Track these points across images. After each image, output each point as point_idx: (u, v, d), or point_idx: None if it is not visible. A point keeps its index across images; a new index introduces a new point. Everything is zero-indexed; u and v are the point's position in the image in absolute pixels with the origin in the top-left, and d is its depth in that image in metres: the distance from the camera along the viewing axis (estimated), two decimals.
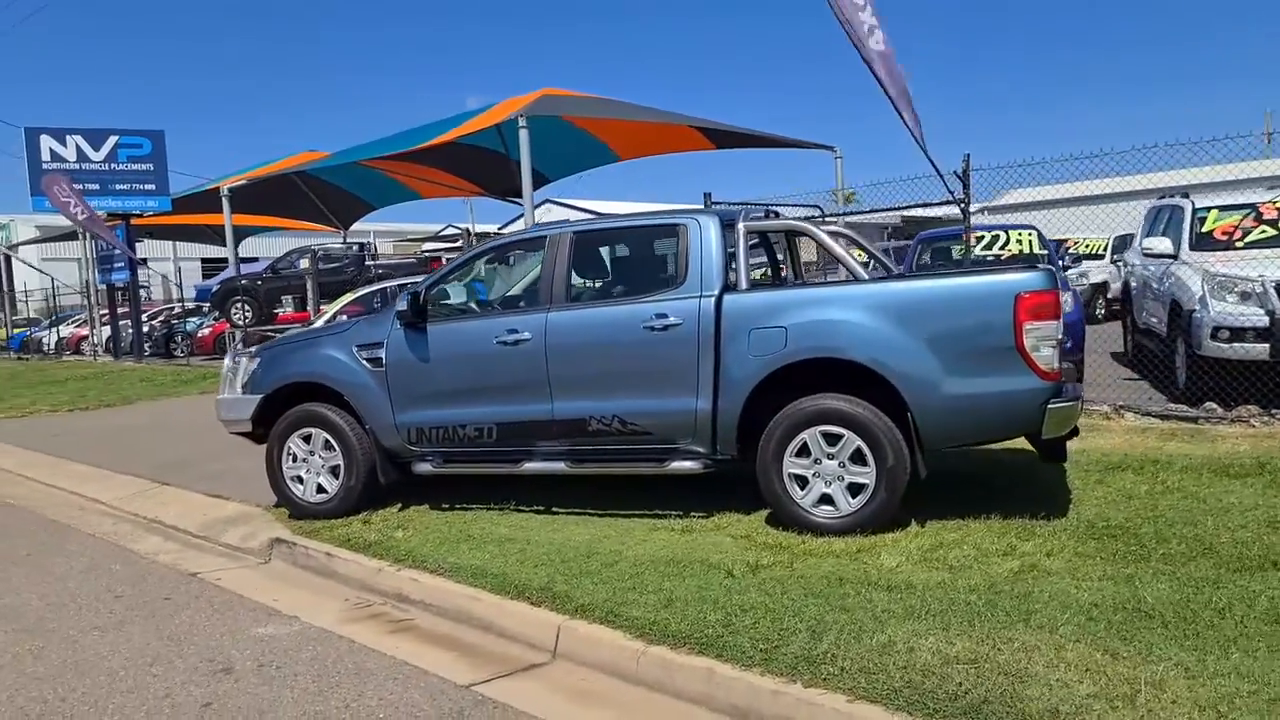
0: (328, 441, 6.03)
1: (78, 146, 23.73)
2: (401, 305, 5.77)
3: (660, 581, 4.38)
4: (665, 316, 5.26)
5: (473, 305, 6.15)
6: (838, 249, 5.46)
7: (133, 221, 24.00)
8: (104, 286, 25.15)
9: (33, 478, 9.05)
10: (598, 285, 5.77)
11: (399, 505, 6.16)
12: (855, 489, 4.95)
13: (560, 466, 5.61)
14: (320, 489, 6.10)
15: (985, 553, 4.51)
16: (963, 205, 8.59)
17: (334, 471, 6.05)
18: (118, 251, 23.35)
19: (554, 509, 5.83)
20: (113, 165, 23.76)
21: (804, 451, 5.02)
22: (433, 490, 6.32)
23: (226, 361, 6.48)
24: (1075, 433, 5.48)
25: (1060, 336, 4.73)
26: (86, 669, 4.14)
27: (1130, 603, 3.72)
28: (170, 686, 3.92)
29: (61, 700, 3.83)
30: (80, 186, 22.76)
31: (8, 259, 36.59)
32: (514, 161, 13.50)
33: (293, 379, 6.13)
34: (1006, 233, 10.83)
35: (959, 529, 4.91)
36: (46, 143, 23.63)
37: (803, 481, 5.04)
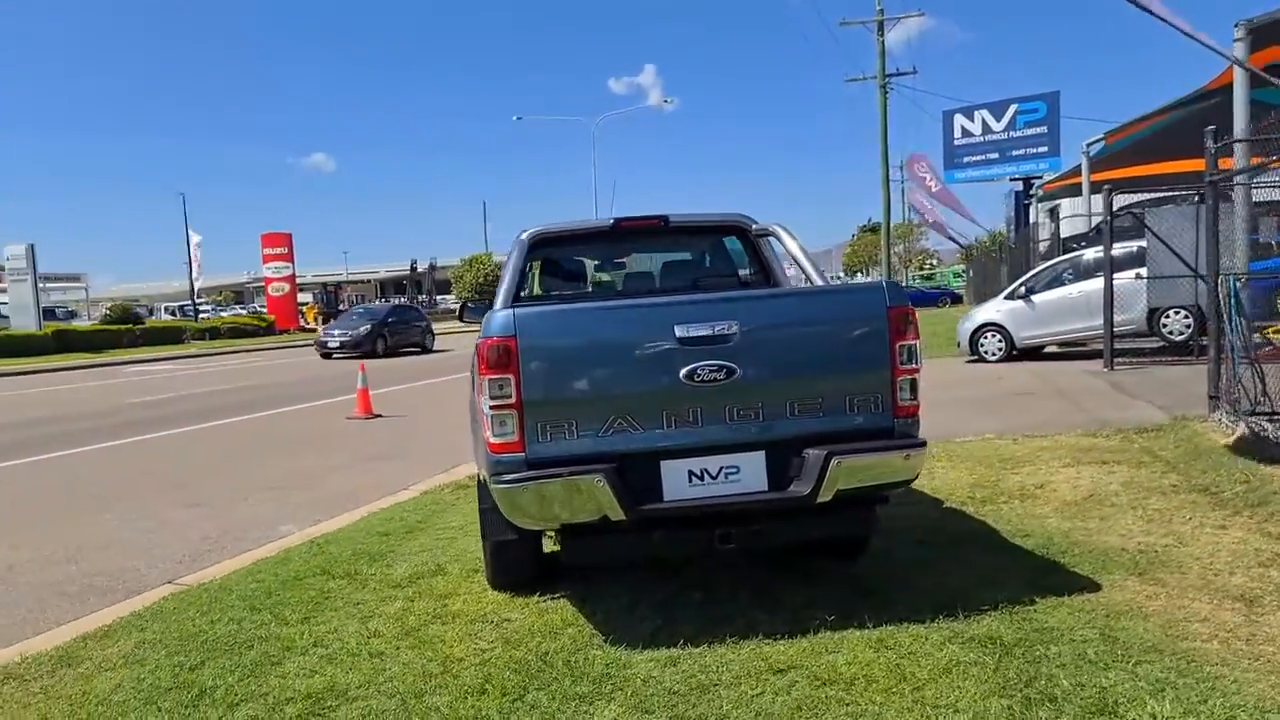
0: None
1: (983, 120, 25.53)
2: None
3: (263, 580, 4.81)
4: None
5: None
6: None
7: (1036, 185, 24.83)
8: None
9: None
10: None
11: None
12: None
13: None
14: None
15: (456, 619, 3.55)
16: None
17: None
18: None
19: None
20: (1010, 133, 24.87)
21: None
22: None
23: None
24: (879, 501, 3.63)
25: (508, 400, 3.14)
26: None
27: None
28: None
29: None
30: (980, 157, 24.77)
31: None
32: None
33: None
34: None
35: (544, 611, 3.77)
36: (959, 121, 26.12)
37: None
